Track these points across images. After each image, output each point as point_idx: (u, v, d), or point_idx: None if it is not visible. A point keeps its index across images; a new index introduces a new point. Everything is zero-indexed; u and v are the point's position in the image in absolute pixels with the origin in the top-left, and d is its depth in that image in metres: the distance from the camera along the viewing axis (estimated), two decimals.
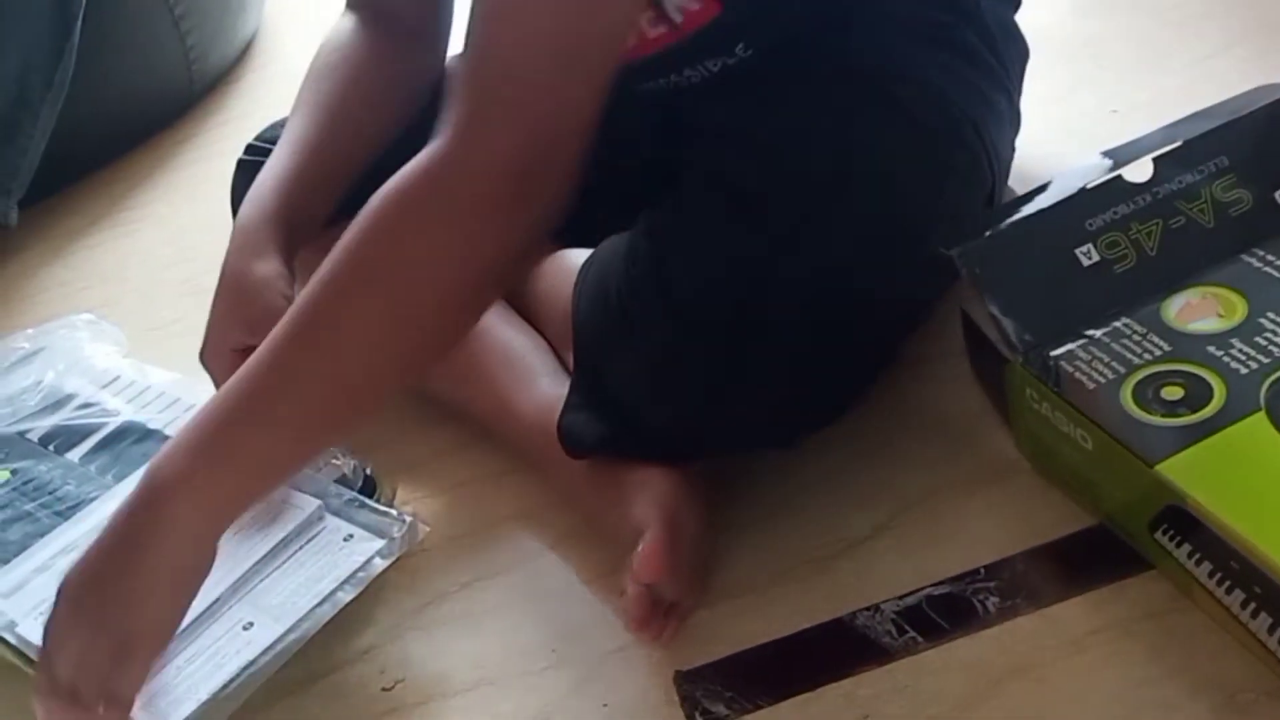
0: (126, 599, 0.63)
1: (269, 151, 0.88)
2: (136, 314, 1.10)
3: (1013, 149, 0.90)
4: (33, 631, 0.72)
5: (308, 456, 0.70)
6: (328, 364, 0.63)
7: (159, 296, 1.14)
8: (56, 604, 0.64)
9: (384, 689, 0.72)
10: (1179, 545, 0.63)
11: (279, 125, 0.91)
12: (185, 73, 1.41)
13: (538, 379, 0.81)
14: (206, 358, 0.79)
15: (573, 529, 0.79)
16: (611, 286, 0.73)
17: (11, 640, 0.75)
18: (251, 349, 0.74)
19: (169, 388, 0.93)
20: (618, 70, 0.64)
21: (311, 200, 0.83)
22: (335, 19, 0.91)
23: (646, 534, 0.68)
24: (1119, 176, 0.73)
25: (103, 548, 0.64)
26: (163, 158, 1.37)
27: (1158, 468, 0.62)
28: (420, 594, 0.78)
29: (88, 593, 0.63)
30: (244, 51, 1.52)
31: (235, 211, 0.91)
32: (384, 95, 0.88)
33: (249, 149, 0.93)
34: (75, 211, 1.32)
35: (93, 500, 0.83)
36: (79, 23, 1.24)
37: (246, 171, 0.90)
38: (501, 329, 0.84)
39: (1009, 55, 0.88)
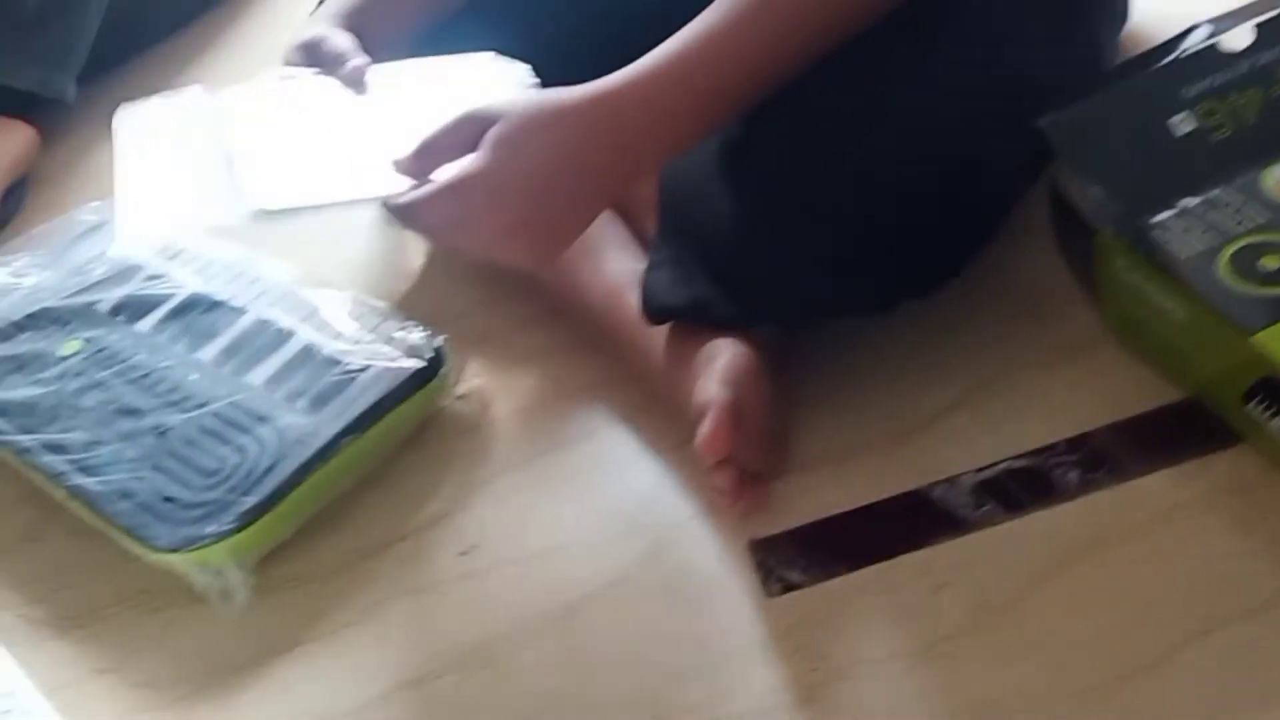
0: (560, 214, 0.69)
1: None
2: None
3: (1116, 44, 0.86)
4: None
5: (755, 93, 0.70)
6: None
7: None
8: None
9: (460, 553, 0.73)
10: (1273, 417, 0.62)
11: None
12: None
13: (607, 252, 0.80)
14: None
15: (644, 400, 0.79)
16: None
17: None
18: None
19: (233, 261, 0.92)
20: None
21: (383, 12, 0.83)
22: None
23: (709, 413, 0.67)
24: (1217, 44, 0.71)
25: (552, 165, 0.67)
26: (216, 32, 1.35)
27: (1255, 338, 0.61)
28: (492, 464, 0.78)
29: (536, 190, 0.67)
30: None
31: None
32: None
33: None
34: (131, 87, 1.29)
35: (165, 367, 0.84)
36: None
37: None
38: None
39: None
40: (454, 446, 0.80)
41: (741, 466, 0.69)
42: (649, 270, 0.74)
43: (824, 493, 0.71)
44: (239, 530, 0.72)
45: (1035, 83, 0.71)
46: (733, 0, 0.68)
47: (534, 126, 0.66)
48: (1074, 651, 0.61)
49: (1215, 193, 0.67)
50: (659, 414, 0.77)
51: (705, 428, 0.67)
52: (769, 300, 0.71)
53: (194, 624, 0.73)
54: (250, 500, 0.73)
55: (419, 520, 0.76)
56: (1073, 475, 0.67)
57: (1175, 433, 0.67)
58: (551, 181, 0.67)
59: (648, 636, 0.67)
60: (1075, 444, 0.68)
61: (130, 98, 1.27)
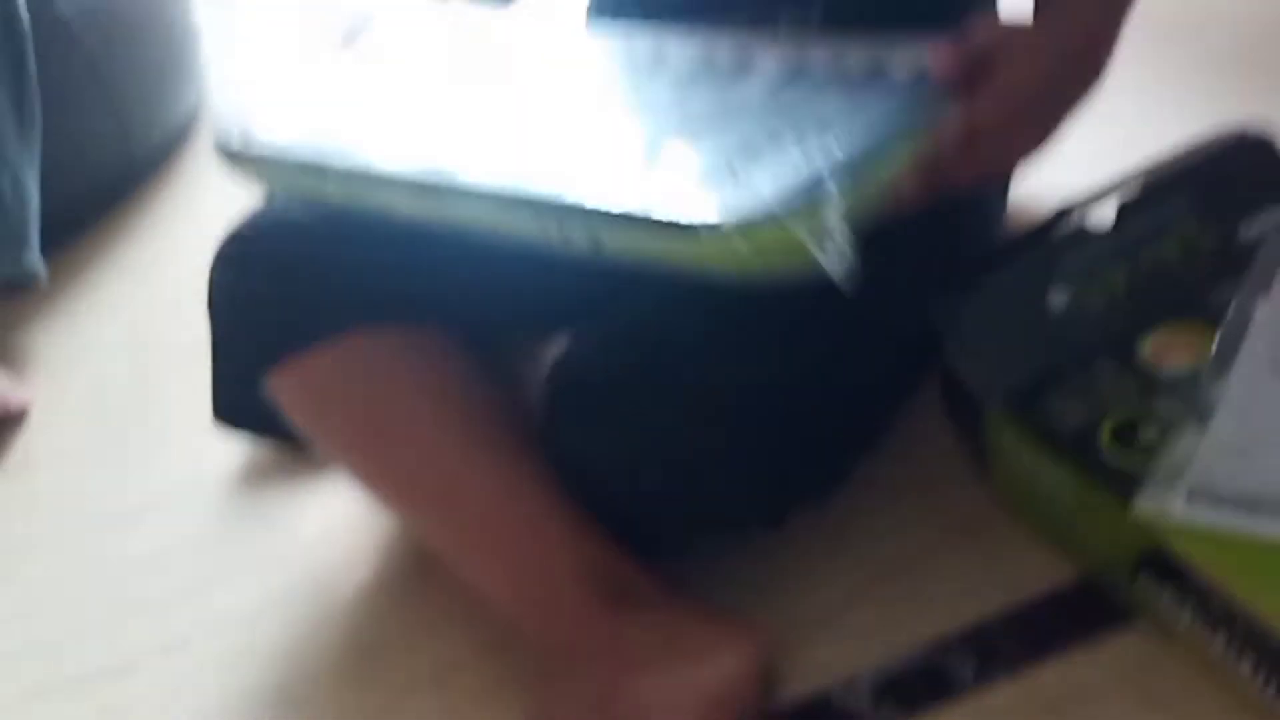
0: None
1: (255, 244, 0.74)
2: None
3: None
4: None
5: None
6: None
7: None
8: None
9: None
10: (1161, 590, 0.60)
11: (262, 214, 0.76)
12: (126, 154, 1.36)
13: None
14: None
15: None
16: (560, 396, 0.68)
17: None
18: None
19: None
20: None
21: None
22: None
23: None
24: (1083, 224, 0.72)
25: None
26: (109, 241, 1.32)
27: (1139, 509, 0.59)
28: None
29: None
30: (185, 130, 1.47)
31: (212, 308, 0.76)
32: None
33: (232, 240, 0.75)
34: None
35: None
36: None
37: (229, 267, 0.74)
38: None
39: None
40: None
41: None
42: None
43: None
44: None
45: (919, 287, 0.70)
46: None
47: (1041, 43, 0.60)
48: None
49: (1095, 365, 0.67)
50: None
51: None
52: (661, 526, 0.68)
53: None
54: None
55: None
56: (967, 670, 0.64)
57: (1067, 618, 0.64)
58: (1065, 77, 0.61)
59: None
60: (969, 637, 0.65)
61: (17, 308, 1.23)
